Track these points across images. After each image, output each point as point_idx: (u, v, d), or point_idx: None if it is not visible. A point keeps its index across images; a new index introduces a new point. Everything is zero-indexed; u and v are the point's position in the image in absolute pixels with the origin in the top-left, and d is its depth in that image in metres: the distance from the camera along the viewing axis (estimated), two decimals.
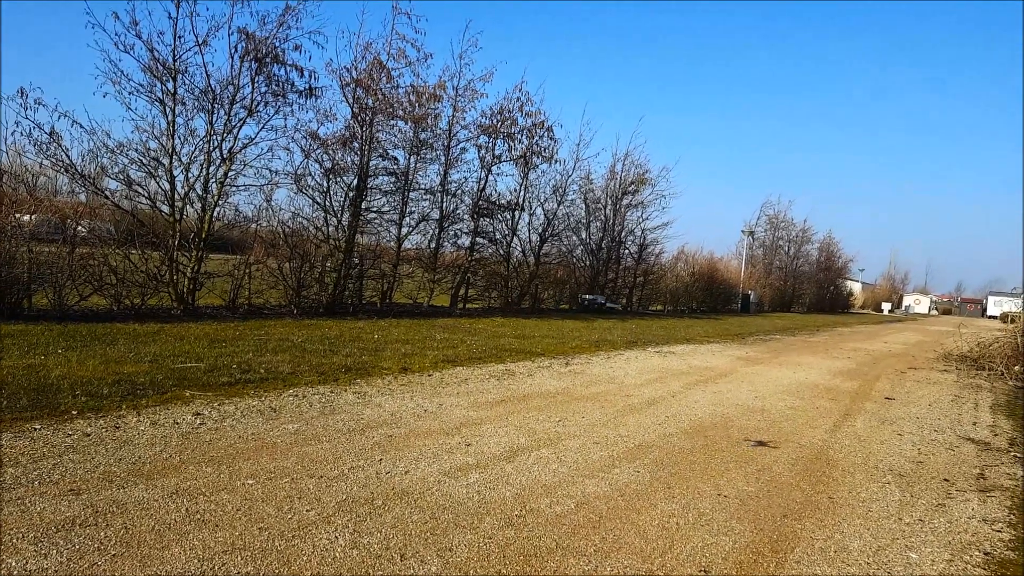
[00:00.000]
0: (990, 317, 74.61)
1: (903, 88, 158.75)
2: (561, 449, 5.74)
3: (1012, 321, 17.76)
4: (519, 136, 22.52)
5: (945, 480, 5.73)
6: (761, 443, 6.51)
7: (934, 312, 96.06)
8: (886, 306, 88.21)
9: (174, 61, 13.30)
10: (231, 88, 14.11)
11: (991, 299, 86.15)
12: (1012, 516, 4.87)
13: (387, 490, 4.40)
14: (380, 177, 18.56)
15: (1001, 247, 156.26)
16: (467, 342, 12.69)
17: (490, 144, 21.90)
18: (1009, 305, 64.70)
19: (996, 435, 7.92)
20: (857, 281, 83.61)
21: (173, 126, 13.45)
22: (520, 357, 11.46)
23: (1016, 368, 13.66)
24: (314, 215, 16.99)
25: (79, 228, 12.64)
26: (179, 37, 13.27)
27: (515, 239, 24.06)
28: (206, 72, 13.72)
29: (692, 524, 4.24)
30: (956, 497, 5.25)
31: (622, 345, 14.93)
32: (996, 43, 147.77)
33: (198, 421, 5.74)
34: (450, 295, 21.56)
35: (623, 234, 29.57)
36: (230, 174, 14.35)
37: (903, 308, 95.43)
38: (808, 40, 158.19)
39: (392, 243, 19.43)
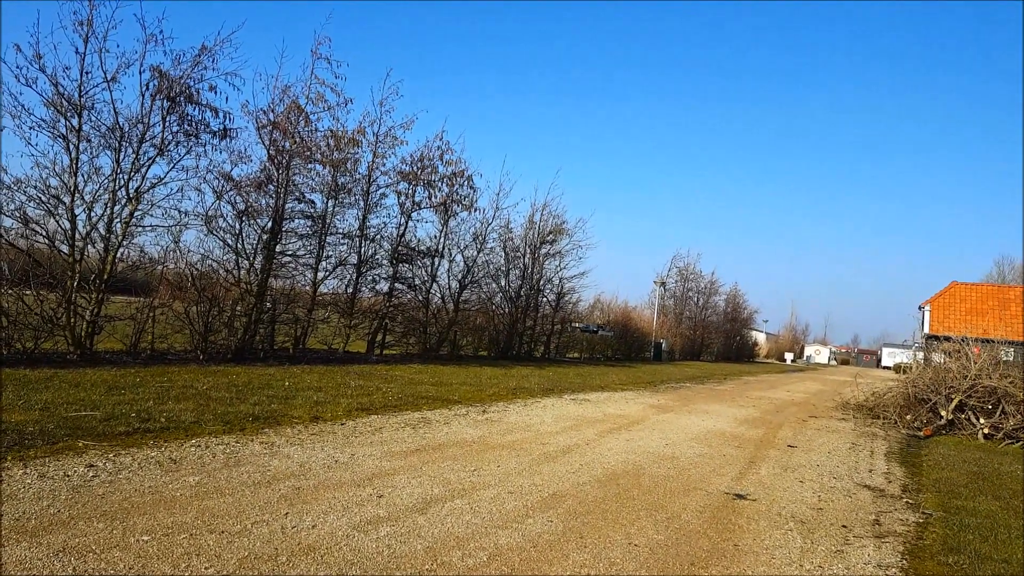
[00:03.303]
0: (884, 367, 79.42)
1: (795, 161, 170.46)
2: (475, 500, 5.70)
3: (904, 372, 18.97)
4: (439, 184, 22.68)
5: (843, 526, 6.01)
6: (740, 495, 6.66)
7: (833, 362, 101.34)
8: (788, 356, 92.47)
9: (80, 97, 12.76)
10: (141, 126, 13.63)
11: (885, 350, 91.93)
12: (904, 561, 5.15)
13: (292, 546, 4.24)
14: (296, 220, 18.21)
15: (893, 302, 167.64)
16: (383, 389, 12.47)
17: (410, 191, 21.94)
18: (901, 356, 69.27)
19: (890, 482, 8.39)
20: (762, 332, 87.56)
21: (76, 163, 12.83)
22: (437, 405, 11.35)
23: (908, 417, 14.55)
24: (225, 258, 16.44)
25: None
26: (86, 73, 12.77)
27: (434, 285, 24.01)
28: (114, 109, 13.22)
29: (603, 574, 4.28)
30: (853, 543, 5.51)
31: (539, 392, 15.03)
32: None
33: (91, 473, 5.38)
34: (367, 341, 21.19)
35: (541, 282, 30.01)
36: (136, 214, 13.75)
37: (804, 358, 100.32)
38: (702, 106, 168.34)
39: (307, 287, 19.01)
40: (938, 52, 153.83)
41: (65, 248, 12.92)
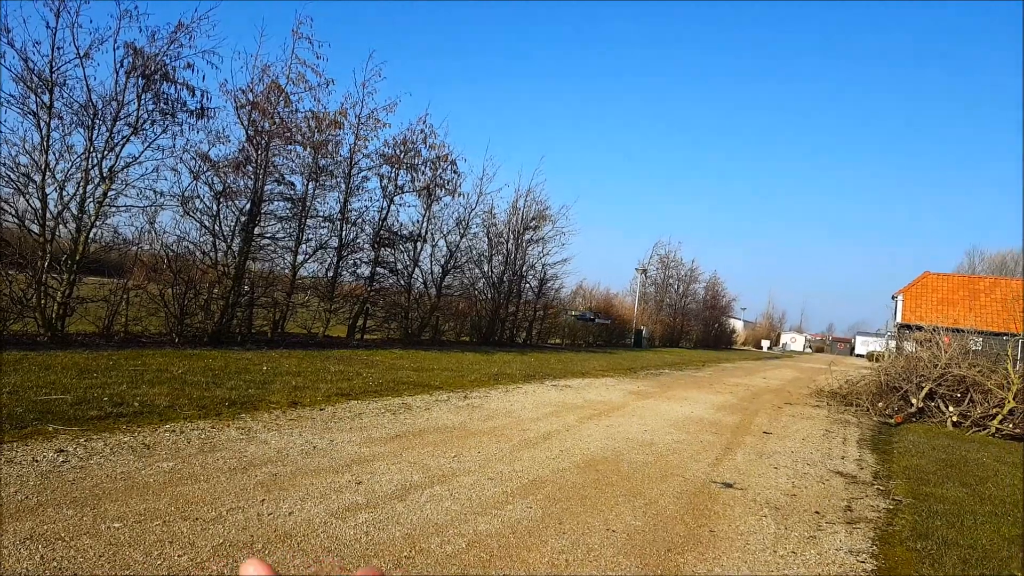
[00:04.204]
0: (858, 355, 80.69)
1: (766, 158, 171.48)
2: (455, 486, 5.68)
3: (877, 360, 19.25)
4: (423, 168, 22.53)
5: (816, 513, 6.08)
6: (728, 485, 6.69)
7: (808, 350, 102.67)
8: (765, 343, 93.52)
9: (51, 73, 12.41)
10: (115, 104, 13.31)
11: (859, 339, 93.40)
12: (874, 547, 5.22)
13: (268, 532, 4.19)
14: (275, 202, 17.96)
15: (866, 292, 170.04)
16: (363, 375, 12.39)
17: (393, 174, 21.76)
18: (875, 345, 70.41)
19: (862, 468, 8.51)
20: (740, 319, 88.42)
21: (48, 141, 12.51)
22: (418, 390, 11.31)
23: (880, 404, 14.77)
24: (201, 239, 16.18)
25: None
26: (58, 48, 12.39)
27: (417, 270, 23.89)
28: (87, 86, 12.89)
29: (581, 560, 4.28)
30: (826, 529, 5.58)
31: (520, 379, 15.03)
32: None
33: (61, 459, 5.28)
34: (347, 325, 21.04)
35: (524, 268, 29.99)
36: (110, 194, 13.46)
37: (781, 346, 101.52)
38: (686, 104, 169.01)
39: (287, 271, 18.80)
40: (920, 41, 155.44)
41: (36, 228, 12.62)
